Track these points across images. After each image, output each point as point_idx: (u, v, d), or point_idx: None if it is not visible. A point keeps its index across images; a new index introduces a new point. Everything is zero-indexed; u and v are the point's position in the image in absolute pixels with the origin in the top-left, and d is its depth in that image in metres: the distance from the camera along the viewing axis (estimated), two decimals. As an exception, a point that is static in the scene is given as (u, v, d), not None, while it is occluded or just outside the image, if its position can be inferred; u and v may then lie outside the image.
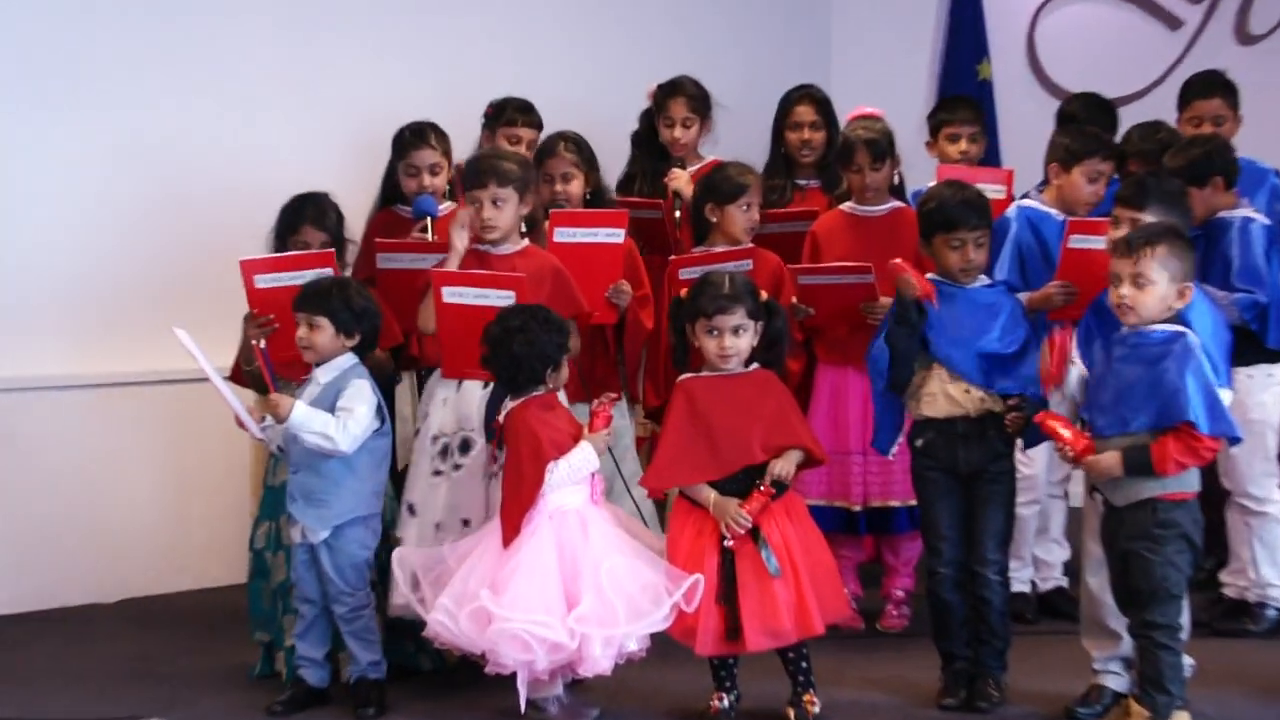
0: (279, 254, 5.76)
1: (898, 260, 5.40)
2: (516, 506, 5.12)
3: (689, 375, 5.27)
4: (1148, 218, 5.26)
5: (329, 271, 5.57)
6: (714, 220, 6.16)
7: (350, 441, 5.23)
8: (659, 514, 6.07)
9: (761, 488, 5.13)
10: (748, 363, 5.30)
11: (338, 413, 5.29)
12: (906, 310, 5.32)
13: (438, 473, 5.53)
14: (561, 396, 5.45)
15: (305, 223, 5.81)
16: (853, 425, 6.27)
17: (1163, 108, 7.03)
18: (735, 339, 5.19)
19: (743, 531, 5.09)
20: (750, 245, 6.12)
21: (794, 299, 6.05)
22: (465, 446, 5.55)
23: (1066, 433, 5.04)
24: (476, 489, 5.53)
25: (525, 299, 5.33)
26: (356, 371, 5.43)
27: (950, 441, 5.44)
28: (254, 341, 5.49)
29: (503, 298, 5.35)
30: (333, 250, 5.75)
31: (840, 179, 6.58)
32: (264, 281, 5.60)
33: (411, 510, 5.59)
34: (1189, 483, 5.03)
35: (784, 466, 5.16)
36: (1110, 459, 4.97)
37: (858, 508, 6.32)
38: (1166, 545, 4.98)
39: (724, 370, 5.23)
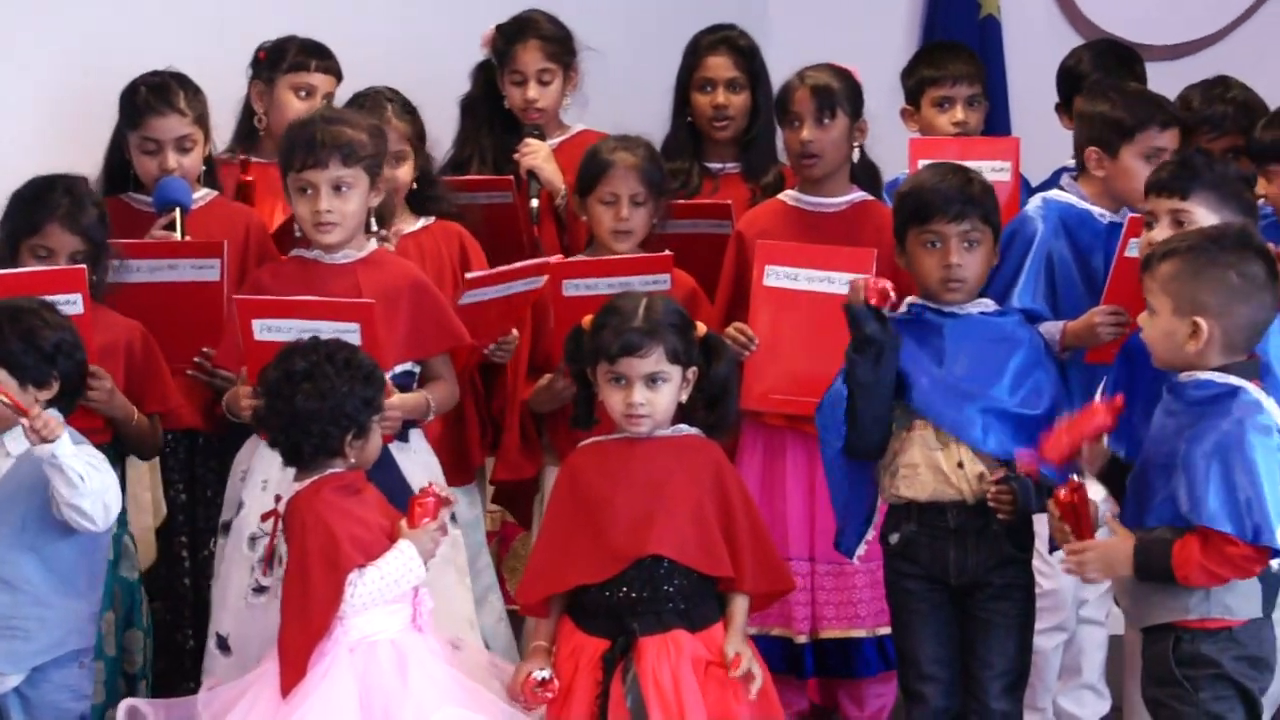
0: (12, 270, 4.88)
1: (858, 276, 4.72)
2: (301, 636, 4.41)
3: (586, 442, 4.69)
4: (1197, 210, 4.68)
5: (77, 301, 4.72)
6: (584, 219, 5.43)
7: (105, 517, 4.47)
8: (518, 638, 5.38)
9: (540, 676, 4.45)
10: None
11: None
12: (860, 325, 4.61)
13: (260, 589, 4.84)
14: (433, 474, 4.84)
15: (51, 219, 4.93)
16: (793, 516, 5.41)
17: (1231, 62, 6.28)
18: (650, 392, 4.54)
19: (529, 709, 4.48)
20: (667, 254, 5.26)
21: (736, 328, 5.27)
22: None
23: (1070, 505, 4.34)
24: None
25: (374, 333, 4.71)
26: (69, 434, 4.53)
27: (938, 538, 4.74)
28: None
29: (340, 334, 4.72)
30: (83, 268, 4.86)
31: (768, 164, 5.76)
32: None
33: (224, 645, 4.87)
34: (1230, 605, 4.34)
35: (734, 642, 4.47)
36: (1114, 550, 4.33)
37: (803, 639, 5.47)
38: (1200, 691, 4.34)
39: (634, 434, 4.59)
